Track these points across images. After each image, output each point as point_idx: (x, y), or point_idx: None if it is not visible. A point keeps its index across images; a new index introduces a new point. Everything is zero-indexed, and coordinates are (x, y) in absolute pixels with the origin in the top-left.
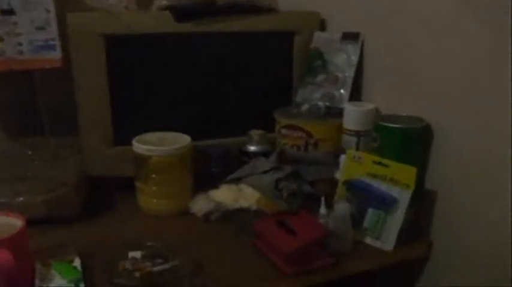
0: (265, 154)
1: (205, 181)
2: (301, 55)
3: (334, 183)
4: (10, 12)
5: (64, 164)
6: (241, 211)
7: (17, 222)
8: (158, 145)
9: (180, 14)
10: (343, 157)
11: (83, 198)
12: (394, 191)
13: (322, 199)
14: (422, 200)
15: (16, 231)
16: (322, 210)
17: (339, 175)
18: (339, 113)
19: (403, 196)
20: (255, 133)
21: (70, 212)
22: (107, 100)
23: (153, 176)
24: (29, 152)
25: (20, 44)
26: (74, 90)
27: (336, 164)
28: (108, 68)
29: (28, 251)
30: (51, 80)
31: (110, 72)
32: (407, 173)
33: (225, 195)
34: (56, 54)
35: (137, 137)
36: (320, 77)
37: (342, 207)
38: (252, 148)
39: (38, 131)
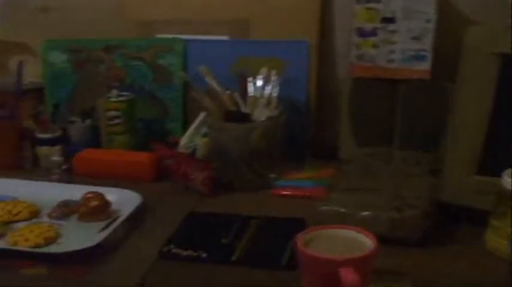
0: None
1: None
2: None
3: None
4: (390, 20)
5: (414, 183)
6: None
7: (366, 241)
8: None
9: None
10: None
11: (429, 224)
12: None
13: None
14: None
15: (367, 252)
16: None
17: None
18: None
19: None
20: None
21: (412, 237)
22: (485, 124)
23: None
24: (379, 163)
25: (392, 52)
26: (435, 106)
27: None
28: (497, 91)
29: (369, 274)
30: (414, 91)
31: (497, 95)
32: None
33: None
34: (426, 66)
35: (510, 170)
36: None
37: None
38: None
39: (383, 141)
